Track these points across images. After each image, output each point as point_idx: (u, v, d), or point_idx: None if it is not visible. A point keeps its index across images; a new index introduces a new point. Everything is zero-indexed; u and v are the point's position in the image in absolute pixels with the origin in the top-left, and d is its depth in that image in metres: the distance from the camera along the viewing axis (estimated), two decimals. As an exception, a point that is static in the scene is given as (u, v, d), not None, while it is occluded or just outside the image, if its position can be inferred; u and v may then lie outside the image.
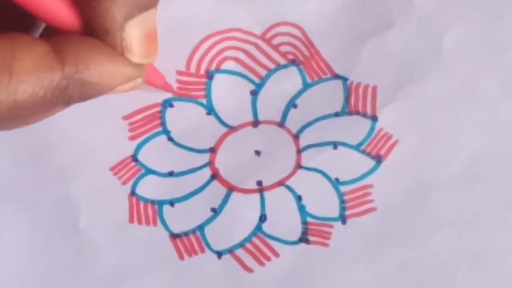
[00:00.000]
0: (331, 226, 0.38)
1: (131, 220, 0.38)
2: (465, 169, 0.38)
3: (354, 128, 0.39)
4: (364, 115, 0.39)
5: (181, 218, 0.38)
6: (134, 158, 0.39)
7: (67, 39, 0.30)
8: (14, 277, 0.38)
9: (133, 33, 0.31)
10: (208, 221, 0.38)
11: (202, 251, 0.38)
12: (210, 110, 0.39)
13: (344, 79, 0.39)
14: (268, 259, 0.38)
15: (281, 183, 0.38)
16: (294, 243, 0.38)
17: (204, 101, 0.39)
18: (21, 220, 0.38)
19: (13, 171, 0.38)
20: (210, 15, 0.40)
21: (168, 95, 0.39)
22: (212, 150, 0.39)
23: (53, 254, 0.38)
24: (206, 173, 0.39)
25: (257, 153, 0.39)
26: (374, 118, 0.39)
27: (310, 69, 0.39)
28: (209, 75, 0.39)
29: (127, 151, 0.39)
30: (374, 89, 0.39)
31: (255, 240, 0.38)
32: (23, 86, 0.29)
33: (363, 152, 0.38)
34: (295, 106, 0.39)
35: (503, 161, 0.38)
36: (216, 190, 0.38)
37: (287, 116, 0.39)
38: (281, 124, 0.39)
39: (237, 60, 0.40)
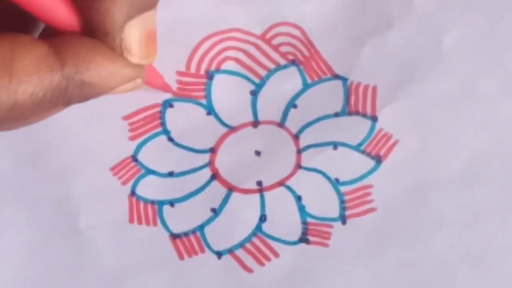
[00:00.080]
0: (331, 226, 0.38)
1: (131, 220, 0.38)
2: (465, 169, 0.38)
3: (354, 128, 0.39)
4: (364, 115, 0.39)
5: (181, 218, 0.38)
6: (134, 158, 0.39)
7: (67, 39, 0.30)
8: (14, 277, 0.38)
9: (132, 34, 0.31)
10: (208, 221, 0.38)
11: (202, 251, 0.38)
12: (210, 110, 0.39)
13: (344, 79, 0.39)
14: (268, 259, 0.38)
15: (281, 183, 0.38)
16: (294, 243, 0.38)
17: (204, 101, 0.39)
18: (21, 220, 0.38)
19: (13, 171, 0.38)
20: (210, 15, 0.40)
21: (168, 96, 0.39)
22: (212, 150, 0.39)
23: (53, 254, 0.38)
24: (206, 173, 0.39)
25: (257, 153, 0.39)
26: (374, 118, 0.39)
27: (310, 69, 0.39)
28: (209, 75, 0.39)
29: (127, 151, 0.39)
30: (374, 89, 0.39)
31: (255, 240, 0.38)
32: (23, 87, 0.29)
33: (363, 152, 0.38)
34: (295, 106, 0.39)
35: (503, 161, 0.38)
36: (216, 190, 0.38)
37: (287, 116, 0.39)
38: (281, 124, 0.39)
39: (237, 60, 0.40)
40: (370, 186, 0.38)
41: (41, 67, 0.29)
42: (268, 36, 0.40)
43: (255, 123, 0.39)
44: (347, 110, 0.39)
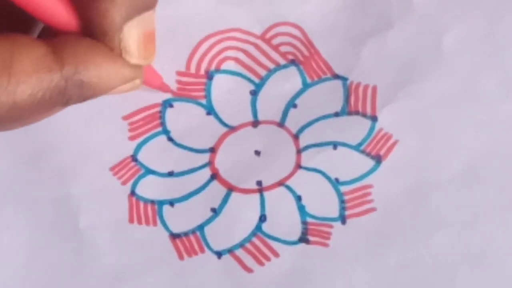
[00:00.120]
0: (331, 226, 0.38)
1: (131, 220, 0.38)
2: (465, 169, 0.38)
3: (354, 128, 0.39)
4: (364, 115, 0.39)
5: (181, 218, 0.38)
6: (134, 158, 0.39)
7: (66, 40, 0.30)
8: (14, 277, 0.38)
9: (131, 35, 0.31)
10: (208, 221, 0.38)
11: (202, 251, 0.38)
12: (210, 110, 0.39)
13: (344, 79, 0.39)
14: (268, 259, 0.38)
15: (281, 183, 0.38)
16: (294, 243, 0.38)
17: (204, 101, 0.39)
18: (21, 220, 0.38)
19: (13, 171, 0.38)
20: (210, 15, 0.40)
21: (168, 95, 0.39)
22: (212, 150, 0.39)
23: (53, 254, 0.38)
24: (206, 173, 0.39)
25: (257, 153, 0.39)
26: (374, 118, 0.39)
27: (310, 69, 0.39)
28: (209, 75, 0.39)
29: (127, 151, 0.39)
30: (374, 89, 0.39)
31: (255, 240, 0.38)
32: (22, 87, 0.29)
33: (363, 152, 0.38)
34: (295, 106, 0.39)
35: (503, 161, 0.38)
36: (216, 190, 0.38)
37: (287, 116, 0.39)
38: (281, 124, 0.39)
39: (237, 60, 0.40)
40: (370, 186, 0.38)
41: (40, 68, 0.29)
42: (268, 36, 0.40)
43: (255, 123, 0.39)
44: (347, 110, 0.39)
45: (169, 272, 0.38)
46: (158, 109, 0.39)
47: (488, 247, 0.37)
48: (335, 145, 0.38)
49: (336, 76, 0.39)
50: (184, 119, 0.39)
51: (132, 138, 0.39)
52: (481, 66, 0.39)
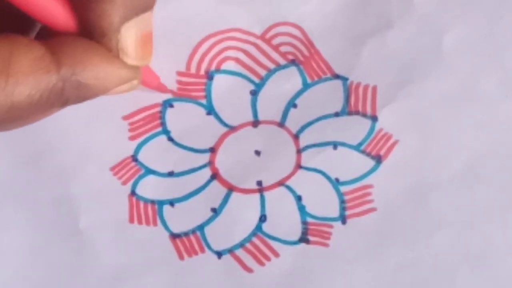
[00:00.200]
0: (331, 226, 0.38)
1: (131, 220, 0.38)
2: (465, 169, 0.38)
3: (354, 128, 0.39)
4: (364, 115, 0.39)
5: (181, 218, 0.38)
6: (134, 158, 0.39)
7: (64, 41, 0.30)
8: (14, 277, 0.38)
9: (129, 35, 0.31)
10: (208, 221, 0.38)
11: (202, 251, 0.38)
12: (210, 110, 0.39)
13: (344, 79, 0.39)
14: (268, 259, 0.38)
15: (281, 183, 0.38)
16: (294, 243, 0.38)
17: (204, 101, 0.39)
18: (21, 220, 0.38)
19: (13, 171, 0.38)
20: (210, 15, 0.40)
21: (168, 96, 0.39)
22: (212, 150, 0.39)
23: (53, 254, 0.38)
24: (206, 173, 0.39)
25: (257, 153, 0.39)
26: (374, 118, 0.39)
27: (310, 69, 0.39)
28: (209, 76, 0.39)
29: (127, 151, 0.39)
30: (374, 89, 0.39)
31: (255, 240, 0.38)
32: (20, 88, 0.29)
33: (363, 152, 0.38)
34: (295, 106, 0.39)
35: (503, 161, 0.38)
36: (216, 190, 0.38)
37: (287, 116, 0.39)
38: (281, 124, 0.39)
39: (237, 60, 0.40)
40: (370, 186, 0.38)
41: (38, 69, 0.29)
42: (268, 36, 0.40)
43: (255, 123, 0.39)
44: (347, 110, 0.39)
45: (169, 272, 0.38)
46: (158, 109, 0.39)
47: (488, 247, 0.37)
48: (335, 145, 0.38)
49: (336, 76, 0.39)
50: (184, 119, 0.39)
51: (132, 138, 0.39)
52: (481, 66, 0.39)
